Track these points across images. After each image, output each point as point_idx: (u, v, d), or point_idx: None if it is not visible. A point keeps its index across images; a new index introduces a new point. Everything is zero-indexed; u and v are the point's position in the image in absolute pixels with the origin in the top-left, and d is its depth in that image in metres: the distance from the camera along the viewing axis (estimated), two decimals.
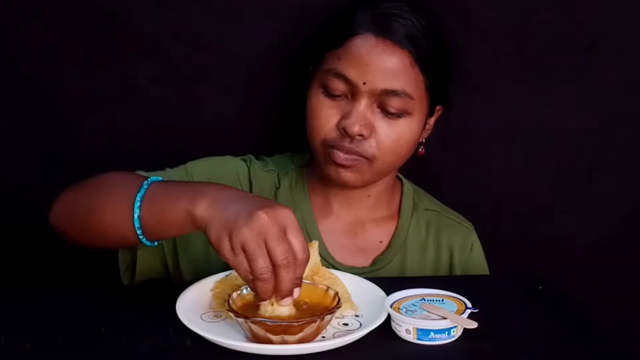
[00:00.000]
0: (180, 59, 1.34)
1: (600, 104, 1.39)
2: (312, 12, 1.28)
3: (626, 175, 1.43)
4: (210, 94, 1.37)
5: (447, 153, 1.41)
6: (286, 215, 0.91)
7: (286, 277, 0.90)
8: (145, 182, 1.02)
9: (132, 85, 1.36)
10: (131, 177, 1.06)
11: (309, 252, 0.93)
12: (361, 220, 1.29)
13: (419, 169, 1.35)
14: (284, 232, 0.91)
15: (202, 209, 0.94)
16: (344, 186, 1.22)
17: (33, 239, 1.18)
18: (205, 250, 1.21)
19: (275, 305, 0.93)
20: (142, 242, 1.03)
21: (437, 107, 1.25)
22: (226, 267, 1.16)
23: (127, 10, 1.31)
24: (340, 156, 1.16)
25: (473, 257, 1.32)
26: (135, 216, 1.00)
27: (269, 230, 0.89)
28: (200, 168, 1.23)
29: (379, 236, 1.29)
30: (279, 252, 0.89)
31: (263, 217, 0.90)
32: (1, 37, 1.31)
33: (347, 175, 1.18)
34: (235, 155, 1.29)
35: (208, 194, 0.96)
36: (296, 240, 0.91)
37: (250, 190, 1.25)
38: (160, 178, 1.05)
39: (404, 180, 1.34)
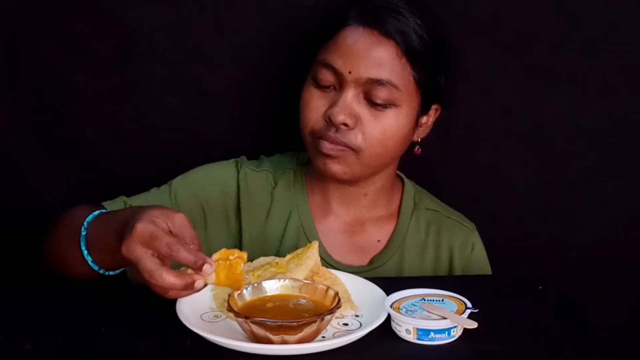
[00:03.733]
0: (181, 59, 1.35)
1: (600, 104, 1.39)
2: (313, 10, 1.28)
3: (626, 175, 1.43)
4: (211, 94, 1.37)
5: (447, 153, 1.41)
6: (139, 236, 0.92)
7: (158, 287, 0.92)
8: (82, 227, 1.05)
9: (132, 86, 1.36)
10: (77, 220, 1.07)
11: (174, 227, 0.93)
12: (360, 220, 1.29)
13: (420, 168, 1.35)
14: (148, 254, 0.92)
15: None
16: (332, 178, 1.22)
17: (33, 239, 1.18)
18: None
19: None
20: (110, 275, 1.07)
21: (434, 107, 1.25)
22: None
23: (126, 11, 1.31)
24: (327, 146, 1.17)
25: (474, 258, 1.32)
26: (90, 262, 1.05)
27: (136, 261, 0.92)
28: (184, 185, 1.25)
29: (377, 235, 1.29)
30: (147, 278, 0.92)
31: (126, 252, 0.92)
32: (2, 40, 1.31)
33: (334, 167, 1.18)
34: (235, 155, 1.29)
35: (118, 236, 0.97)
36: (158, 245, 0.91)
37: (238, 193, 1.25)
38: (96, 213, 1.07)
39: (406, 179, 1.34)
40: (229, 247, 1.23)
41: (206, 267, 0.91)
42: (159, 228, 0.92)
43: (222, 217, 1.25)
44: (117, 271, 1.08)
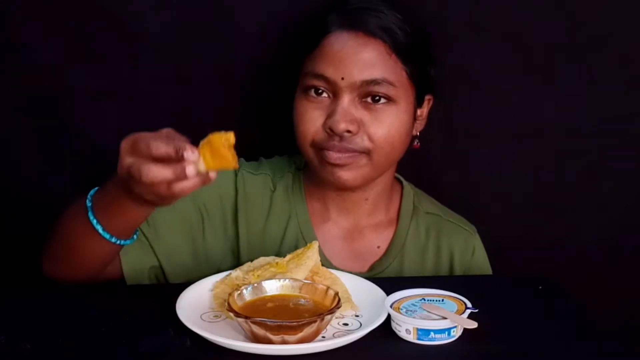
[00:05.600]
0: (182, 61, 1.35)
1: (600, 103, 1.39)
2: (310, 11, 1.28)
3: (626, 174, 1.43)
4: (210, 95, 1.37)
5: (447, 153, 1.41)
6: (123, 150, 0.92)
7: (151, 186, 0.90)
8: (87, 200, 1.04)
9: (132, 87, 1.36)
10: (78, 202, 1.06)
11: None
12: (359, 226, 1.27)
13: (420, 168, 1.35)
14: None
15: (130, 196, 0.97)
16: (343, 188, 1.20)
17: (33, 239, 1.18)
18: (187, 245, 1.21)
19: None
20: (122, 244, 1.06)
21: (427, 97, 1.25)
22: (208, 261, 1.18)
23: (126, 12, 1.32)
24: (334, 156, 1.15)
25: (475, 262, 1.30)
26: (100, 230, 1.03)
27: (127, 171, 0.92)
28: None
29: (376, 241, 1.28)
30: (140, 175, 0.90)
31: (119, 169, 0.93)
32: (3, 37, 1.32)
33: (345, 175, 1.16)
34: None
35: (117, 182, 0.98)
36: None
37: (236, 196, 1.24)
38: (96, 188, 1.06)
39: (404, 182, 1.33)
40: (226, 252, 1.22)
41: (187, 154, 0.88)
42: (140, 134, 0.91)
43: (219, 221, 1.24)
44: (129, 241, 1.07)
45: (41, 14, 1.31)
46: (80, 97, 1.36)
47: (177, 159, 0.88)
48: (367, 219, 1.28)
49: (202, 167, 0.90)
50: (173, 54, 1.34)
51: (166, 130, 0.93)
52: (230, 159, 0.90)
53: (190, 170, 0.88)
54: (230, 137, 0.90)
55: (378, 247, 1.28)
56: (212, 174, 0.90)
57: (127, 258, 1.16)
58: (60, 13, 1.31)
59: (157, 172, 0.89)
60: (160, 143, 0.89)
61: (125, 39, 1.33)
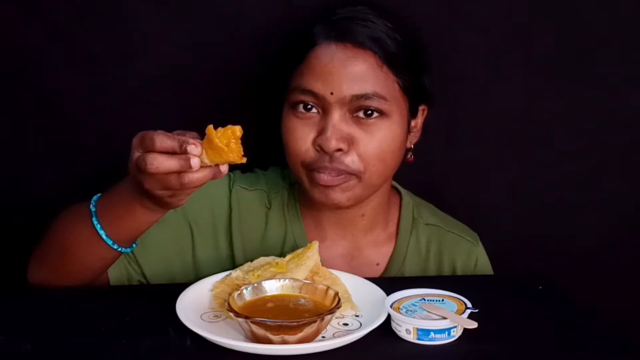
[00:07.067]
0: (180, 63, 1.35)
1: (601, 105, 1.39)
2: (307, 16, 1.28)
3: (626, 175, 1.43)
4: (208, 101, 1.37)
5: (447, 154, 1.41)
6: (134, 147, 0.93)
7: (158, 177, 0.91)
8: (91, 204, 1.04)
9: (128, 89, 1.36)
10: (78, 207, 1.07)
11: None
12: (357, 244, 1.24)
13: (419, 170, 1.34)
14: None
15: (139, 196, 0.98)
16: (336, 208, 1.16)
17: (33, 239, 1.18)
18: (175, 260, 1.19)
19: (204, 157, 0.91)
20: (122, 252, 1.06)
21: (421, 107, 1.20)
22: (197, 277, 1.15)
23: (124, 13, 1.32)
24: (324, 178, 1.10)
25: (477, 273, 1.27)
26: (103, 235, 1.03)
27: (135, 165, 0.93)
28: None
29: (375, 258, 1.24)
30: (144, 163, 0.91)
31: (130, 166, 0.95)
32: (3, 37, 1.32)
33: (337, 196, 1.12)
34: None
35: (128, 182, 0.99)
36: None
37: (230, 213, 1.21)
38: (99, 195, 1.06)
39: (403, 192, 1.29)
40: (218, 267, 1.19)
41: (190, 148, 0.89)
42: (149, 131, 0.92)
43: (210, 236, 1.21)
44: (129, 249, 1.07)
45: (40, 14, 1.31)
46: (79, 97, 1.36)
47: (181, 153, 0.89)
48: (365, 235, 1.24)
49: (206, 160, 0.91)
50: (172, 54, 1.34)
51: (177, 132, 0.94)
52: (228, 155, 0.90)
53: (194, 162, 0.89)
54: (235, 130, 0.90)
55: (377, 264, 1.24)
56: (224, 168, 0.92)
57: (114, 272, 1.15)
58: (59, 13, 1.31)
59: (162, 161, 0.90)
60: (165, 137, 0.90)
61: (124, 41, 1.33)
